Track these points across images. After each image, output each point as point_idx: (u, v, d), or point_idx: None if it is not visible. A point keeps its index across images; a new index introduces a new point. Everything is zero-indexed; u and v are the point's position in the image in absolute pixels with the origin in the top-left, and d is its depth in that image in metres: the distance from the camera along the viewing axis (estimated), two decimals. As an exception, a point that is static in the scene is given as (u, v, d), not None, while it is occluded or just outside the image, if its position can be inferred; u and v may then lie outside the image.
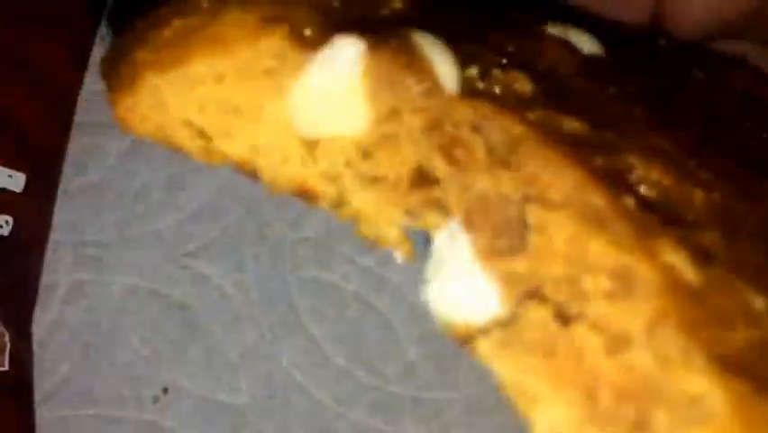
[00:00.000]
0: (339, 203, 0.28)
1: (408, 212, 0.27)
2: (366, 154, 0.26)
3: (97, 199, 0.42)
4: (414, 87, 0.25)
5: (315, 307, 0.42)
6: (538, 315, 0.23)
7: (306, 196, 0.28)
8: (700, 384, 0.21)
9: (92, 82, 0.42)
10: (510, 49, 0.27)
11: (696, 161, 0.25)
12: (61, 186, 0.42)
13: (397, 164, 0.26)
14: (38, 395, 0.39)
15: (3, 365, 0.37)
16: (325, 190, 0.28)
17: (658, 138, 0.25)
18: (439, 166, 0.25)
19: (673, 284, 0.22)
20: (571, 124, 0.24)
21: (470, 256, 0.25)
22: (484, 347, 0.24)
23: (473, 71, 0.25)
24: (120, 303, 0.41)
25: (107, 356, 0.40)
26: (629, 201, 0.23)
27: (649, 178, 0.24)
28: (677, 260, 0.22)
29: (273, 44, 0.25)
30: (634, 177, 0.24)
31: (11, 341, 0.37)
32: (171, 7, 0.27)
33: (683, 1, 0.33)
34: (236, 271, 0.42)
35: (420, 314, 0.40)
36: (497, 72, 0.25)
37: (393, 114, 0.25)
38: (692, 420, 0.21)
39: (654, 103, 0.27)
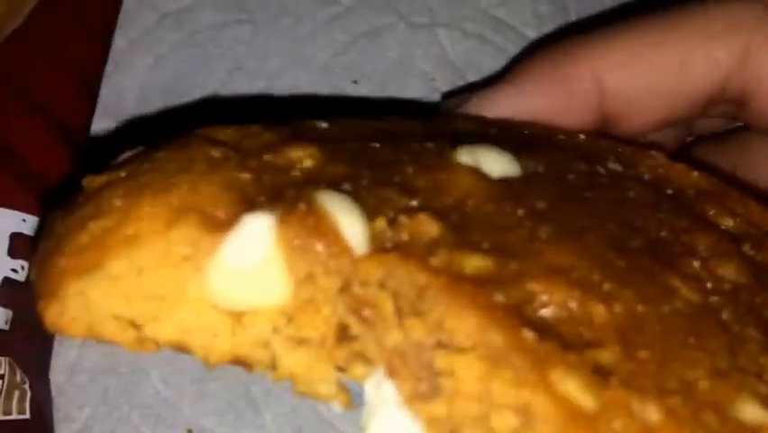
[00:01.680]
0: (273, 366, 0.30)
1: (338, 367, 0.29)
2: (290, 319, 0.28)
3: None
4: (323, 251, 0.27)
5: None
6: None
7: (241, 364, 0.30)
8: None
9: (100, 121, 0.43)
10: (421, 184, 0.29)
11: (600, 272, 0.27)
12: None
13: (319, 324, 0.28)
14: (59, 442, 0.40)
15: (24, 413, 0.36)
16: (258, 357, 0.29)
17: (562, 256, 0.27)
18: (353, 326, 0.28)
19: (569, 414, 0.23)
20: (475, 262, 0.26)
21: (397, 402, 0.27)
22: None
23: (381, 222, 0.27)
24: (139, 344, 0.41)
25: (128, 399, 0.40)
26: (528, 334, 0.24)
27: (551, 300, 0.26)
28: (572, 387, 0.24)
29: (185, 233, 0.27)
30: (536, 303, 0.25)
31: (31, 388, 0.37)
32: (89, 207, 0.29)
33: (627, 107, 0.36)
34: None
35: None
36: (403, 219, 0.27)
37: (308, 278, 0.27)
38: None
39: (561, 218, 0.29)
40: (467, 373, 0.25)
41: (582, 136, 0.36)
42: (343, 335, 0.29)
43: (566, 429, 0.23)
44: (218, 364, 0.30)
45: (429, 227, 0.27)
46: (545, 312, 0.25)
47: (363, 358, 0.28)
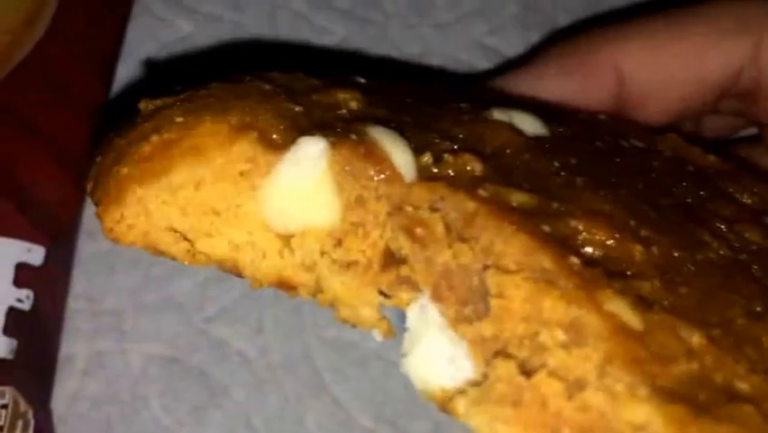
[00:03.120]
0: (317, 291, 0.31)
1: (382, 292, 0.30)
2: (338, 242, 0.30)
3: (112, 266, 0.43)
4: (374, 175, 0.29)
5: (337, 367, 0.42)
6: (505, 371, 0.27)
7: (285, 287, 0.31)
8: (644, 413, 0.24)
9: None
10: (460, 134, 0.30)
11: (635, 220, 0.28)
12: (76, 254, 0.43)
13: (367, 248, 0.30)
14: (60, 472, 0.40)
15: None
16: (303, 280, 0.31)
17: (599, 203, 0.28)
18: (404, 245, 0.29)
19: (618, 329, 0.25)
20: (520, 197, 0.28)
21: (441, 326, 0.29)
22: (461, 407, 0.28)
23: (427, 158, 0.29)
24: (139, 372, 0.42)
25: (129, 428, 0.41)
26: (575, 260, 0.26)
27: (593, 239, 0.27)
28: (619, 308, 0.25)
29: (244, 149, 0.29)
30: (579, 240, 0.27)
31: (34, 418, 0.37)
32: (149, 124, 0.30)
33: (644, 94, 0.38)
34: (256, 334, 0.43)
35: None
36: (448, 157, 0.29)
37: (359, 202, 0.29)
38: None
39: (594, 173, 0.30)
40: (515, 293, 0.26)
41: (603, 116, 0.38)
42: (390, 260, 0.30)
43: (616, 343, 0.25)
44: (264, 284, 0.31)
45: (473, 165, 0.29)
46: (588, 248, 0.27)
47: (408, 283, 0.29)
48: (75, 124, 0.41)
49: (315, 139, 0.29)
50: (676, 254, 0.28)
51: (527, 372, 0.26)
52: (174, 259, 0.31)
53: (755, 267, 0.30)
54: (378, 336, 0.32)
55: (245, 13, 0.50)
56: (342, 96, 0.31)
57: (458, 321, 0.28)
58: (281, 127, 0.29)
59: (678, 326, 0.26)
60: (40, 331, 0.39)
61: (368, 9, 0.51)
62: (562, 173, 0.30)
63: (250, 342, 0.43)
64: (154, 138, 0.30)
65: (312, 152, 0.29)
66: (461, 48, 0.50)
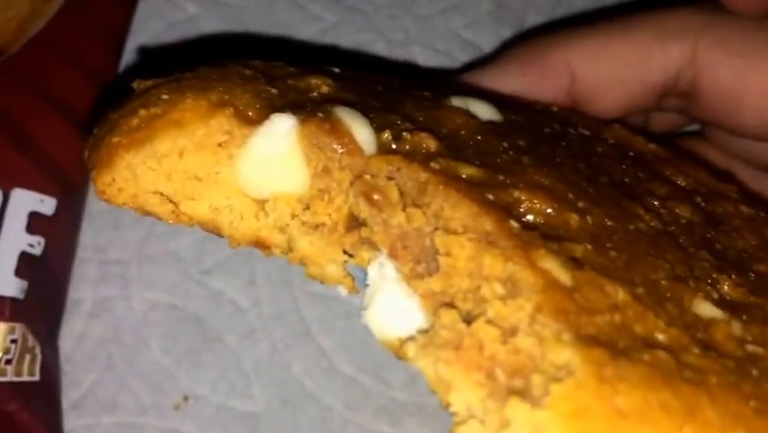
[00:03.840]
0: (288, 250, 0.35)
1: (346, 251, 0.34)
2: (306, 206, 0.34)
3: (118, 221, 0.47)
4: (338, 148, 0.32)
5: (323, 319, 0.46)
6: (449, 319, 0.30)
7: (260, 246, 0.36)
8: (566, 354, 0.27)
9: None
10: (419, 117, 0.34)
11: (574, 194, 0.32)
12: (86, 209, 0.46)
13: (332, 212, 0.34)
14: (65, 404, 0.43)
15: (34, 375, 0.41)
16: (276, 241, 0.35)
17: (542, 178, 0.32)
18: (364, 210, 0.33)
19: (549, 284, 0.28)
20: (469, 170, 0.31)
21: (397, 281, 0.32)
22: (410, 352, 0.31)
23: (387, 135, 0.32)
24: (141, 317, 0.45)
25: (130, 367, 0.45)
26: (514, 224, 0.29)
27: (533, 208, 0.30)
28: (551, 265, 0.28)
29: (222, 123, 0.33)
30: (520, 208, 0.30)
31: (41, 353, 0.41)
32: (139, 101, 0.35)
33: (593, 92, 0.42)
34: (249, 286, 0.46)
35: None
36: (406, 135, 0.32)
37: (325, 171, 0.33)
38: (559, 379, 0.26)
39: (540, 153, 0.34)
40: (461, 252, 0.30)
41: (555, 108, 0.41)
42: (352, 223, 0.34)
43: (546, 295, 0.28)
44: (242, 244, 0.35)
45: (428, 142, 0.32)
46: (528, 216, 0.30)
47: (369, 244, 0.33)
48: (86, 91, 0.45)
49: (286, 116, 0.32)
50: (609, 223, 0.31)
51: (469, 321, 0.30)
52: (160, 219, 0.35)
53: (682, 238, 0.33)
54: (343, 291, 0.36)
55: (247, -1, 0.54)
56: (314, 81, 0.35)
57: (412, 277, 0.32)
58: (257, 106, 0.33)
59: (605, 283, 0.29)
60: (49, 275, 0.42)
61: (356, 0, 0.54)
62: (510, 152, 0.33)
63: (243, 293, 0.46)
64: (142, 112, 0.34)
65: (283, 127, 0.32)
66: (440, 38, 0.54)
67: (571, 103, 0.42)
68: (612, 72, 0.41)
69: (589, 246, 0.30)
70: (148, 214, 0.35)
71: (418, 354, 0.31)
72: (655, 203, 0.34)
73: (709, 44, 0.39)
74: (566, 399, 0.26)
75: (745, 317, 0.30)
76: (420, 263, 0.32)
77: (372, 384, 0.45)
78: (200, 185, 0.34)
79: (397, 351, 0.33)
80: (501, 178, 0.31)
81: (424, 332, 0.31)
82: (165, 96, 0.34)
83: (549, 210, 0.31)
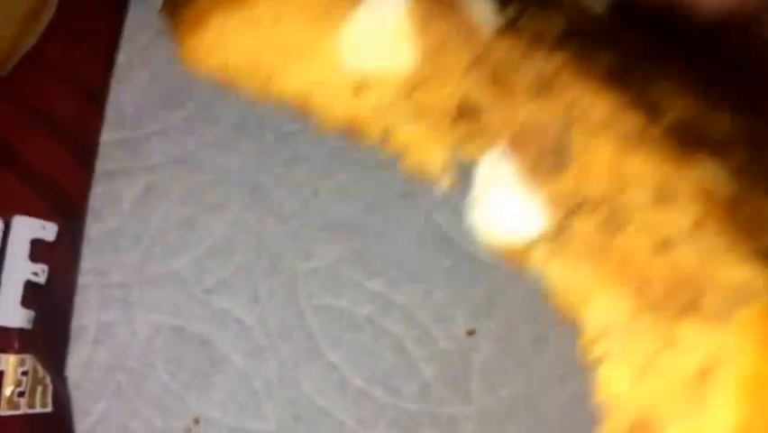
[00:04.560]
0: (385, 137, 0.32)
1: (452, 143, 0.31)
2: (413, 89, 0.30)
3: (117, 244, 0.46)
4: (457, 24, 0.29)
5: (330, 333, 0.45)
6: (585, 226, 0.27)
7: (352, 131, 0.32)
8: (746, 271, 0.25)
9: (104, 133, 0.46)
10: None
11: (719, 92, 0.28)
12: (84, 234, 0.46)
13: (442, 97, 0.30)
14: (78, 435, 0.43)
15: (47, 407, 0.40)
16: (372, 125, 0.32)
17: (681, 74, 0.28)
18: (483, 97, 0.29)
19: (709, 193, 0.25)
20: (605, 57, 0.28)
21: (515, 179, 0.29)
22: (535, 259, 0.29)
23: (512, 9, 0.29)
24: (146, 341, 0.45)
25: (139, 392, 0.44)
26: (663, 123, 0.26)
27: (679, 104, 0.27)
28: (710, 172, 0.26)
29: None
30: (665, 104, 0.27)
31: (52, 383, 0.40)
32: None
33: None
34: (253, 303, 0.46)
35: (431, 334, 0.44)
36: (533, 11, 0.28)
37: (439, 49, 0.29)
38: (739, 301, 0.24)
39: (666, 48, 0.30)
40: (600, 150, 0.27)
41: None
42: (465, 110, 0.30)
43: (708, 206, 0.25)
44: (333, 128, 0.32)
45: (557, 22, 0.28)
46: (675, 114, 0.27)
47: (481, 136, 0.30)
48: (82, 110, 0.44)
49: None
50: (760, 128, 0.28)
51: (609, 228, 0.27)
52: (243, 92, 0.32)
53: None
54: (441, 188, 0.32)
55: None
56: None
57: (537, 172, 0.28)
58: None
59: (765, 195, 0.26)
60: (54, 303, 0.42)
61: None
62: (641, 42, 0.29)
63: (248, 311, 0.46)
64: None
65: None
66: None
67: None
68: None
69: (745, 152, 0.27)
70: (232, 86, 0.32)
71: (546, 263, 0.29)
72: None
73: None
74: (757, 322, 0.24)
75: None
76: (546, 159, 0.29)
77: (384, 396, 0.45)
78: (296, 57, 0.31)
79: (511, 256, 0.30)
80: (640, 71, 0.28)
81: (551, 237, 0.29)
82: None
83: (698, 107, 0.27)
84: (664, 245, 0.26)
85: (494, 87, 0.29)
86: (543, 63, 0.28)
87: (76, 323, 0.44)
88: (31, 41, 0.43)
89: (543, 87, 0.28)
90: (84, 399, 0.43)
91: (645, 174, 0.26)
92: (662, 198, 0.26)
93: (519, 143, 0.29)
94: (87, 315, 0.45)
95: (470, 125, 0.30)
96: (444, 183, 0.32)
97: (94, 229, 0.46)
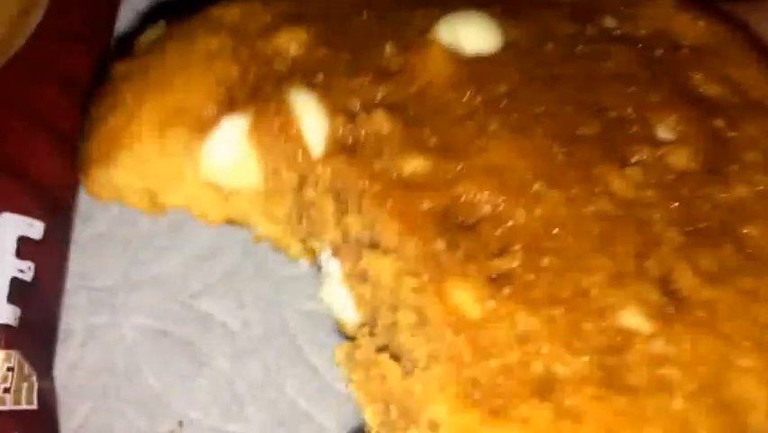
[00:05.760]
0: (252, 229, 0.37)
1: (300, 238, 0.36)
2: (263, 200, 0.36)
3: (104, 247, 0.47)
4: (286, 149, 0.33)
5: (313, 337, 0.46)
6: (365, 342, 0.32)
7: (231, 224, 0.38)
8: (440, 411, 0.28)
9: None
10: (394, 67, 0.33)
11: (535, 170, 0.30)
12: (72, 237, 0.46)
13: (285, 207, 0.35)
14: (63, 435, 0.44)
15: (32, 404, 0.41)
16: (243, 221, 0.37)
17: (503, 154, 0.31)
18: (303, 219, 0.34)
19: (455, 320, 0.28)
20: (415, 164, 0.31)
21: (340, 276, 0.34)
22: (339, 357, 0.34)
23: (340, 120, 0.32)
24: (132, 344, 0.46)
25: (124, 394, 0.45)
26: (440, 245, 0.29)
27: (477, 204, 0.30)
28: (463, 298, 0.28)
29: (178, 133, 0.35)
30: (461, 207, 0.30)
31: (38, 381, 0.41)
32: (107, 101, 0.37)
33: None
34: (238, 308, 0.47)
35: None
36: (362, 115, 0.32)
37: (275, 172, 0.34)
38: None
39: (520, 104, 0.32)
40: (385, 271, 0.30)
41: None
42: (301, 219, 0.35)
43: (451, 332, 0.28)
44: (215, 224, 0.38)
45: (383, 125, 0.32)
46: (468, 216, 0.30)
47: (318, 239, 0.35)
48: (70, 108, 0.45)
49: (237, 118, 0.34)
50: (561, 212, 0.30)
51: (381, 347, 0.31)
52: (141, 209, 0.38)
53: (656, 209, 0.31)
54: (303, 264, 0.39)
55: None
56: (285, 38, 0.35)
57: (350, 277, 0.33)
58: (214, 99, 0.34)
59: (518, 310, 0.28)
60: (41, 301, 0.43)
61: None
62: (480, 113, 0.32)
63: (232, 315, 0.47)
64: (110, 119, 0.36)
65: (233, 132, 0.34)
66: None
67: None
68: None
69: (521, 255, 0.29)
70: (130, 205, 0.38)
71: (345, 366, 0.33)
72: (644, 156, 0.32)
73: None
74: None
75: (678, 327, 0.29)
76: (357, 268, 0.32)
77: (365, 401, 0.46)
78: (171, 181, 0.36)
79: (343, 330, 0.35)
80: (451, 165, 0.31)
81: (361, 328, 0.33)
82: (129, 100, 0.36)
83: (494, 206, 0.30)
84: (409, 371, 0.30)
85: (309, 212, 0.34)
86: (351, 186, 0.32)
87: (63, 326, 0.45)
88: (20, 42, 0.44)
89: (349, 207, 0.32)
90: (70, 400, 0.44)
91: (410, 299, 0.30)
92: (420, 322, 0.30)
93: (337, 250, 0.34)
94: (75, 318, 0.46)
95: (309, 229, 0.35)
96: (307, 261, 0.39)
97: (82, 233, 0.47)
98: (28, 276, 0.42)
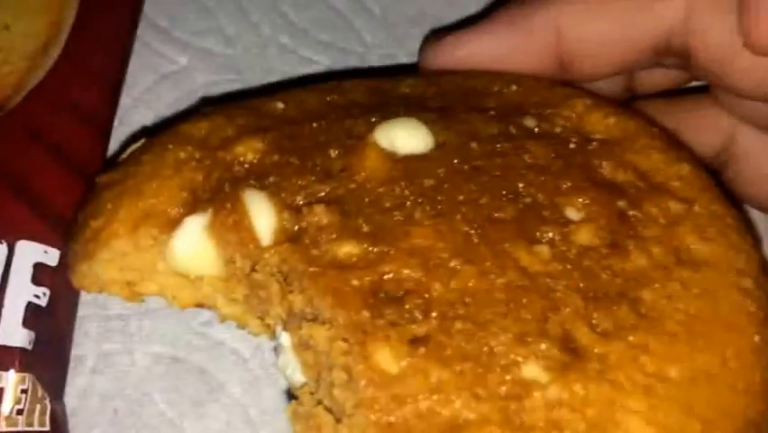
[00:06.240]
0: (218, 310, 0.42)
1: (257, 317, 0.40)
2: (224, 284, 0.40)
3: (117, 277, 0.48)
4: (239, 242, 0.38)
5: (325, 364, 0.47)
6: (307, 399, 0.36)
7: (201, 307, 0.42)
8: None
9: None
10: (336, 168, 0.38)
11: (452, 250, 0.35)
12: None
13: (242, 290, 0.40)
14: (73, 462, 0.44)
15: (45, 426, 0.41)
16: (211, 305, 0.42)
17: (424, 238, 0.35)
18: (255, 298, 0.39)
19: (376, 376, 0.33)
20: (347, 249, 0.35)
21: (290, 347, 0.38)
22: (289, 413, 0.37)
23: (286, 215, 0.37)
24: (144, 371, 0.46)
25: (135, 421, 0.45)
26: (365, 315, 0.34)
27: (399, 280, 0.34)
28: (384, 357, 0.33)
29: (148, 231, 0.39)
30: (386, 283, 0.34)
31: (50, 404, 0.41)
32: (91, 208, 0.41)
33: (580, 53, 0.43)
34: (249, 335, 0.46)
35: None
36: (305, 210, 0.37)
37: (230, 261, 0.39)
38: None
39: (443, 196, 0.37)
40: (321, 338, 0.34)
41: (515, 87, 0.42)
42: (255, 303, 0.40)
43: (372, 385, 0.32)
44: (186, 307, 0.42)
45: (322, 217, 0.36)
46: (391, 290, 0.34)
47: (271, 322, 0.39)
48: (85, 140, 0.47)
49: (198, 217, 0.38)
50: (473, 284, 0.34)
51: (319, 402, 0.35)
52: (122, 298, 0.42)
53: (559, 280, 0.35)
54: (267, 337, 0.42)
55: (236, 48, 0.56)
56: (242, 149, 0.40)
57: (298, 347, 0.37)
58: (181, 201, 0.39)
59: (431, 367, 0.33)
60: (54, 326, 0.43)
61: (348, 42, 0.57)
62: (408, 204, 0.36)
63: (244, 342, 0.47)
64: (92, 223, 0.40)
65: (195, 229, 0.38)
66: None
67: (558, 65, 0.43)
68: (600, 33, 0.42)
69: (435, 323, 0.34)
70: (112, 295, 0.42)
71: (290, 419, 0.37)
72: (552, 235, 0.36)
73: (704, 5, 0.40)
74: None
75: (572, 376, 0.33)
76: (301, 336, 0.36)
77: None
78: (145, 273, 0.41)
79: (294, 391, 0.38)
80: (378, 249, 0.35)
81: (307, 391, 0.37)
82: (108, 206, 0.40)
83: (414, 280, 0.34)
84: (337, 423, 0.35)
85: (259, 293, 0.38)
86: (294, 269, 0.36)
87: (75, 352, 0.46)
88: (40, 75, 0.45)
89: (295, 287, 0.36)
90: (81, 425, 0.44)
91: (340, 360, 0.34)
92: (349, 379, 0.34)
93: (285, 325, 0.38)
94: (86, 345, 0.46)
95: (261, 307, 0.39)
96: (267, 336, 0.42)
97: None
98: (43, 301, 0.42)
